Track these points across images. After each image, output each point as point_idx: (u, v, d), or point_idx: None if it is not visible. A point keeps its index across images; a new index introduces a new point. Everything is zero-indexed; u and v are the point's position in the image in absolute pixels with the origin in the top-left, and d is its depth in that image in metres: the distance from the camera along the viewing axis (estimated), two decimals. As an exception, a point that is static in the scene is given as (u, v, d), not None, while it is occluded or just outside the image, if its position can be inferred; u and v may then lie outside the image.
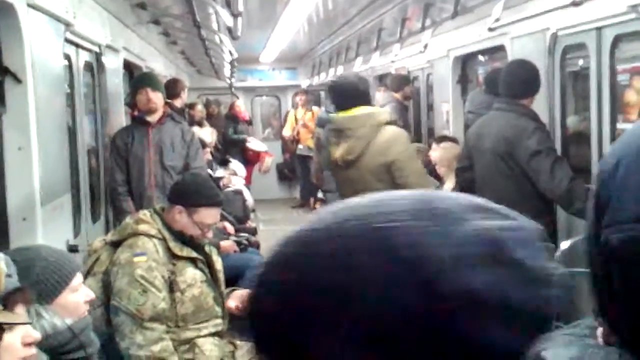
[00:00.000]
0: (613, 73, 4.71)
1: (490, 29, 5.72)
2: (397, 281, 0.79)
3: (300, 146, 13.76)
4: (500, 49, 6.30)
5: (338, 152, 4.90)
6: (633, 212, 1.01)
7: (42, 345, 2.28)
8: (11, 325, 1.86)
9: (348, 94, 4.91)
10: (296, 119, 13.99)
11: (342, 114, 4.92)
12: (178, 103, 7.72)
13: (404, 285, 0.79)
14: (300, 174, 14.22)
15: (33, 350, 1.94)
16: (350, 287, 0.80)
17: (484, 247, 0.81)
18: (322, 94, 15.76)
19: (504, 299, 0.80)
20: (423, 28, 7.36)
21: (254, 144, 13.20)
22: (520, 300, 0.81)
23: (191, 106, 10.26)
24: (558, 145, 5.30)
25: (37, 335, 1.96)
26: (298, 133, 13.77)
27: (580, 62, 5.43)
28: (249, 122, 14.24)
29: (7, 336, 1.84)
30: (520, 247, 0.82)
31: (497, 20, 5.65)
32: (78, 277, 2.69)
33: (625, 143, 1.21)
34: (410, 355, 0.80)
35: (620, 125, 4.75)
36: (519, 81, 4.94)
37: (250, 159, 12.75)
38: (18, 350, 1.89)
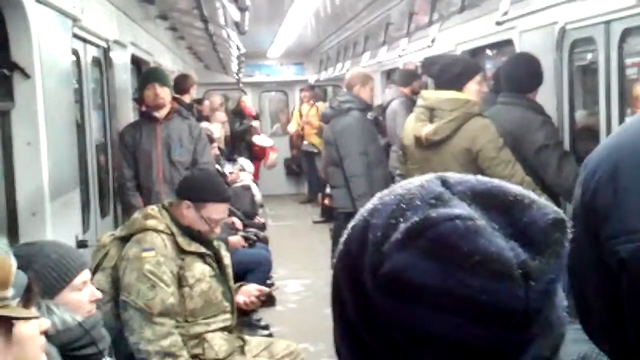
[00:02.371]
0: (621, 67, 4.69)
1: (498, 23, 5.70)
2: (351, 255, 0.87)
3: (305, 142, 13.73)
4: (508, 43, 6.28)
5: (425, 130, 4.71)
6: None
7: (53, 340, 2.29)
8: (27, 318, 1.87)
9: (448, 75, 4.72)
10: (301, 115, 13.97)
11: (436, 93, 4.76)
12: (187, 99, 7.73)
13: (354, 262, 0.85)
14: (306, 169, 14.19)
15: (43, 339, 1.96)
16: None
17: (414, 231, 0.80)
18: (329, 89, 15.76)
19: (433, 284, 0.78)
20: (431, 22, 7.34)
21: (259, 139, 13.19)
22: (462, 289, 0.77)
23: (199, 101, 10.26)
24: (566, 140, 5.29)
25: (48, 322, 1.98)
26: (303, 129, 13.75)
27: (589, 56, 5.40)
28: (256, 118, 14.23)
29: (26, 327, 1.85)
30: (477, 237, 0.78)
31: (505, 14, 5.63)
32: (82, 276, 2.66)
33: (618, 147, 1.14)
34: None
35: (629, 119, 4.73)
36: (525, 75, 4.92)
37: (256, 155, 12.75)
38: (39, 339, 1.90)
